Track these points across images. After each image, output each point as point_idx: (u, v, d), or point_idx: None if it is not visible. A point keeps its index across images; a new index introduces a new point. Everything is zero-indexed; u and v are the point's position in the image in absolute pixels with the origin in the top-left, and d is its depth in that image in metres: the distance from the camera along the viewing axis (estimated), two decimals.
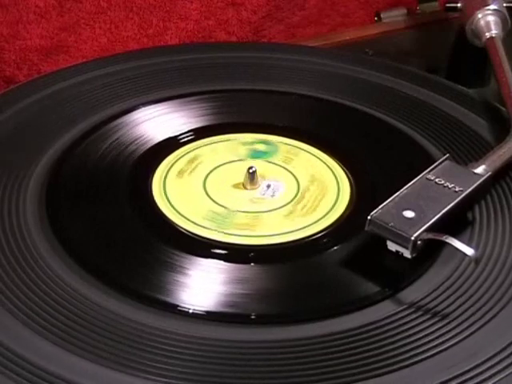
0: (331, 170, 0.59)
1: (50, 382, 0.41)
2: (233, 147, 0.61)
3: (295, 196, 0.56)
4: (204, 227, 0.53)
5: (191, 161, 0.59)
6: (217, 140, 0.62)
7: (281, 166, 0.59)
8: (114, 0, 0.82)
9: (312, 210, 0.55)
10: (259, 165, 0.58)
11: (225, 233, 0.52)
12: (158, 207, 0.54)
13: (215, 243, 0.51)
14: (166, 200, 0.55)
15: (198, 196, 0.56)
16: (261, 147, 0.61)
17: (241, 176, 0.57)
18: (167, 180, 0.57)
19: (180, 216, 0.54)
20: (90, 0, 0.81)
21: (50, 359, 0.42)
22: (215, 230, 0.52)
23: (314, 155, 0.61)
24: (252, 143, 0.61)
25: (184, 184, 0.57)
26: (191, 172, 0.58)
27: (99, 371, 0.42)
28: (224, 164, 0.59)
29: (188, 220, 0.53)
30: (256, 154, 0.60)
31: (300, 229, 0.53)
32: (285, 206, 0.55)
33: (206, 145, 0.61)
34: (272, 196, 0.56)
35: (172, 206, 0.54)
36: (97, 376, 0.41)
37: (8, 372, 0.41)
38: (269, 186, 0.57)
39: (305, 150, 0.61)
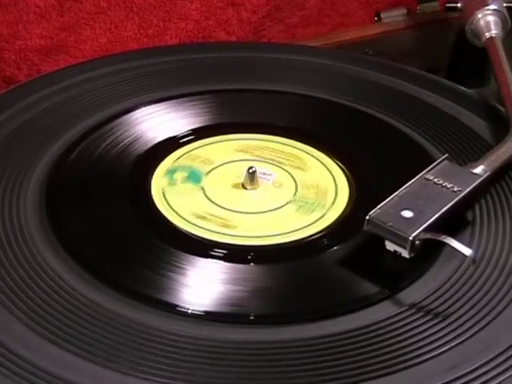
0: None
1: (49, 381, 0.41)
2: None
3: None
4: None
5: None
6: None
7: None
8: (114, 0, 0.82)
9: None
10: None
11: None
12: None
13: (215, 243, 0.51)
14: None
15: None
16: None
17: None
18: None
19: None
20: (89, 0, 0.81)
21: (47, 358, 0.42)
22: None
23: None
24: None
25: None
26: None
27: (98, 371, 0.42)
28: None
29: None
30: None
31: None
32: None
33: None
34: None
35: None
36: (95, 376, 0.41)
37: (8, 372, 0.41)
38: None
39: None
